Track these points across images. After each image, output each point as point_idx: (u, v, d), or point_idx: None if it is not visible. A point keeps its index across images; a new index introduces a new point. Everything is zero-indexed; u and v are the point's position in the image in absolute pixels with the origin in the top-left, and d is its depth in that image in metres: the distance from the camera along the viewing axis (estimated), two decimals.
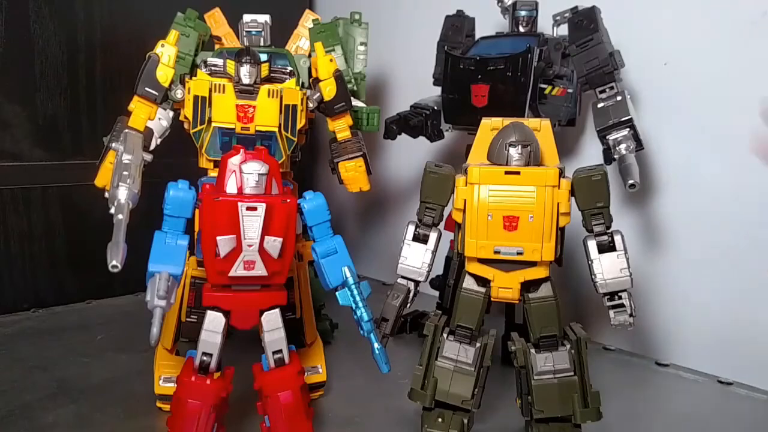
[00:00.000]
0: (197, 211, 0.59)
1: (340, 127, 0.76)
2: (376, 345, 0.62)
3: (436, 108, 0.87)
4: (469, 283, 0.63)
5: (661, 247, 0.93)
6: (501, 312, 0.86)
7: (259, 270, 0.58)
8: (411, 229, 0.65)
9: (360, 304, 0.61)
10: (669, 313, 0.92)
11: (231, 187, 0.58)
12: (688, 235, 0.90)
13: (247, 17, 0.81)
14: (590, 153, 0.96)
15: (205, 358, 0.59)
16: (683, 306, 0.90)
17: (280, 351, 0.61)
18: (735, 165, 0.85)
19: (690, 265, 0.89)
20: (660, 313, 0.93)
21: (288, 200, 0.58)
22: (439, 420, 0.63)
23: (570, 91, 0.84)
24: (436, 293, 0.95)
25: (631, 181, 0.69)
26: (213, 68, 0.68)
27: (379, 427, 0.69)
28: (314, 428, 0.63)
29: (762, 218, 0.83)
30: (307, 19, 0.90)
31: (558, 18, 0.84)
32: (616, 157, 0.74)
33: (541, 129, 0.64)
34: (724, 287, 0.87)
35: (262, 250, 0.57)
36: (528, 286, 0.62)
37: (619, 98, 0.76)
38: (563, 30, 0.83)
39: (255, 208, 0.56)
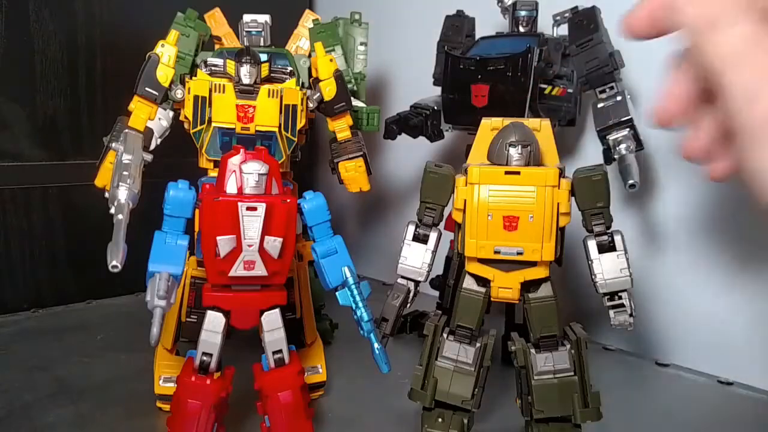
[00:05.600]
0: (197, 211, 0.59)
1: (340, 127, 0.76)
2: (376, 345, 0.62)
3: (436, 108, 0.87)
4: (469, 283, 0.63)
5: (661, 247, 0.93)
6: (501, 312, 0.86)
7: (259, 270, 0.58)
8: (411, 229, 0.65)
9: (360, 304, 0.61)
10: (669, 313, 0.92)
11: (231, 187, 0.58)
12: (688, 235, 0.90)
13: (247, 17, 0.81)
14: (590, 153, 0.96)
15: (205, 358, 0.59)
16: (683, 306, 0.90)
17: (280, 351, 0.61)
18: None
19: (690, 264, 0.89)
20: (660, 313, 0.93)
21: (288, 200, 0.58)
22: (439, 420, 0.63)
23: (570, 91, 0.84)
24: (436, 293, 0.95)
25: (631, 181, 0.69)
26: (213, 68, 0.68)
27: (379, 427, 0.69)
28: (314, 428, 0.63)
29: (762, 217, 0.83)
30: (307, 19, 0.90)
31: (558, 18, 0.84)
32: (616, 157, 0.74)
33: (541, 129, 0.64)
34: (724, 287, 0.87)
35: (262, 250, 0.57)
36: (528, 286, 0.62)
37: (619, 98, 0.76)
38: (563, 30, 0.83)
39: (255, 208, 0.56)
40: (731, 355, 0.86)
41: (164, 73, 0.64)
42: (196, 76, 0.67)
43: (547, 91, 0.80)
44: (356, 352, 0.77)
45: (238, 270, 0.57)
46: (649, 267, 0.92)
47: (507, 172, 0.59)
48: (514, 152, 0.60)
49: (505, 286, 0.61)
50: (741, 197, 0.84)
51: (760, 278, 0.84)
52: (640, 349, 0.93)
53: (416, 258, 0.65)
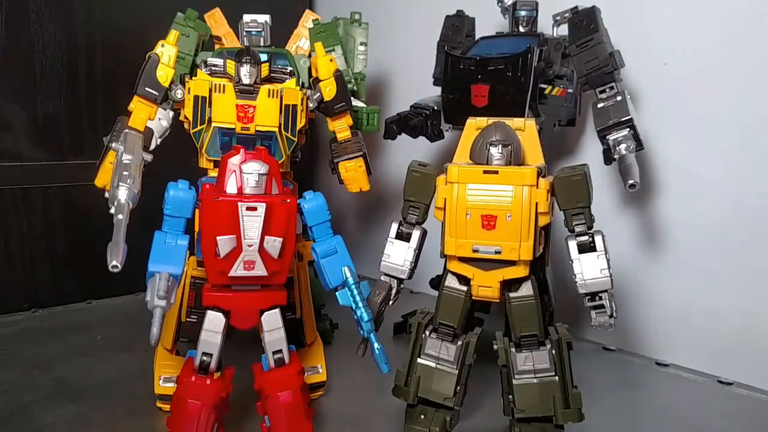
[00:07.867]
0: (197, 211, 0.59)
1: (340, 127, 0.76)
2: (376, 345, 0.62)
3: (436, 108, 0.87)
4: (451, 281, 0.64)
5: (660, 246, 0.92)
6: (502, 313, 0.86)
7: (259, 270, 0.58)
8: (394, 227, 0.66)
9: (360, 304, 0.61)
10: (669, 313, 0.92)
11: (231, 187, 0.58)
12: (687, 235, 0.90)
13: (247, 17, 0.81)
14: (590, 153, 0.96)
15: (205, 358, 0.59)
16: (683, 306, 0.90)
17: (280, 351, 0.61)
18: (735, 165, 0.85)
19: (690, 264, 0.89)
20: (660, 313, 0.93)
21: (288, 200, 0.58)
22: (422, 417, 0.63)
23: (570, 91, 0.84)
24: (437, 293, 0.95)
25: (631, 181, 0.69)
26: (213, 68, 0.68)
27: (379, 426, 0.69)
28: (314, 428, 0.63)
29: (762, 217, 0.83)
30: (307, 19, 0.90)
31: (558, 18, 0.84)
32: (616, 157, 0.74)
33: (526, 129, 0.64)
34: (724, 287, 0.87)
35: (262, 250, 0.57)
36: (509, 285, 0.62)
37: (619, 98, 0.76)
38: (563, 30, 0.83)
39: (255, 208, 0.56)
40: (731, 355, 0.86)
41: (164, 73, 0.64)
42: (196, 76, 0.67)
43: (547, 91, 0.80)
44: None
45: (238, 270, 0.57)
46: (649, 267, 0.92)
47: (485, 171, 0.59)
48: (495, 152, 0.60)
49: (485, 285, 0.61)
50: (740, 197, 0.84)
51: (760, 278, 0.84)
52: (640, 349, 0.93)
53: (399, 256, 0.66)
